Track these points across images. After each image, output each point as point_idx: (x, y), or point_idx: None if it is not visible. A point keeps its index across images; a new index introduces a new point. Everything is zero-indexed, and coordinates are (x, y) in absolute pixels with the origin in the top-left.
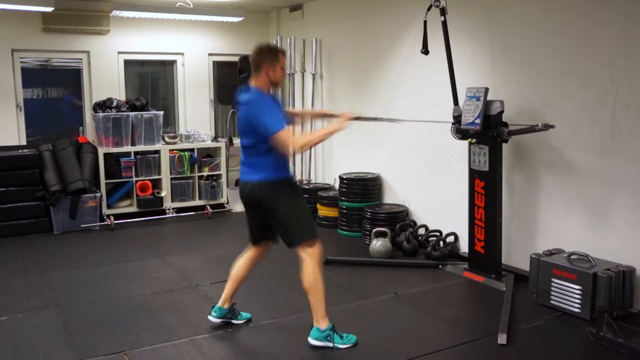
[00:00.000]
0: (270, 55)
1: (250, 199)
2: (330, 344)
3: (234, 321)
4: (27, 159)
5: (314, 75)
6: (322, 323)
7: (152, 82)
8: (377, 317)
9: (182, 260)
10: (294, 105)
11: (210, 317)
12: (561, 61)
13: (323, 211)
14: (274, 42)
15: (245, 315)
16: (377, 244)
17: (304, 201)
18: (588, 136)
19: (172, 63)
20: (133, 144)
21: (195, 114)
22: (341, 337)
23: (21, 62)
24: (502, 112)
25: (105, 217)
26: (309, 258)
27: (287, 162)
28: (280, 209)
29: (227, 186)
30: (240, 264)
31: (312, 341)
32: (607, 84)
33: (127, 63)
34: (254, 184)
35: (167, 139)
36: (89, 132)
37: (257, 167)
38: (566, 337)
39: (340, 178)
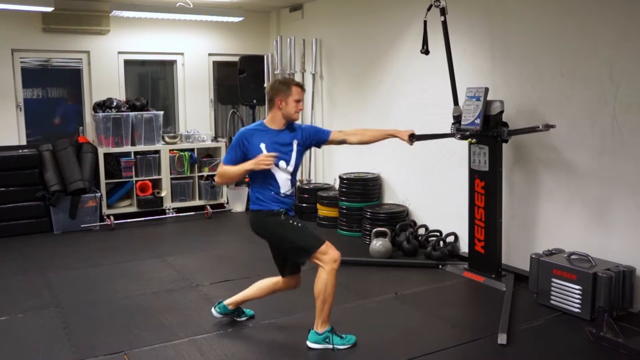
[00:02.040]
0: (282, 87)
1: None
2: (330, 346)
3: (237, 319)
4: (27, 159)
5: (314, 75)
6: (320, 327)
7: (152, 82)
8: (377, 317)
9: (182, 260)
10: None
11: (213, 310)
12: (561, 61)
13: (323, 211)
14: (274, 42)
15: (249, 312)
16: (377, 244)
17: (294, 222)
18: (588, 136)
19: (172, 63)
20: (133, 144)
21: (195, 114)
22: (340, 338)
23: (21, 62)
24: (502, 112)
25: (105, 217)
26: (324, 264)
27: (273, 194)
28: (271, 236)
29: (227, 186)
30: (268, 282)
31: (310, 344)
32: (607, 84)
33: (127, 63)
34: (250, 217)
35: (167, 139)
36: (89, 132)
37: (251, 200)
38: (566, 337)
39: (340, 178)
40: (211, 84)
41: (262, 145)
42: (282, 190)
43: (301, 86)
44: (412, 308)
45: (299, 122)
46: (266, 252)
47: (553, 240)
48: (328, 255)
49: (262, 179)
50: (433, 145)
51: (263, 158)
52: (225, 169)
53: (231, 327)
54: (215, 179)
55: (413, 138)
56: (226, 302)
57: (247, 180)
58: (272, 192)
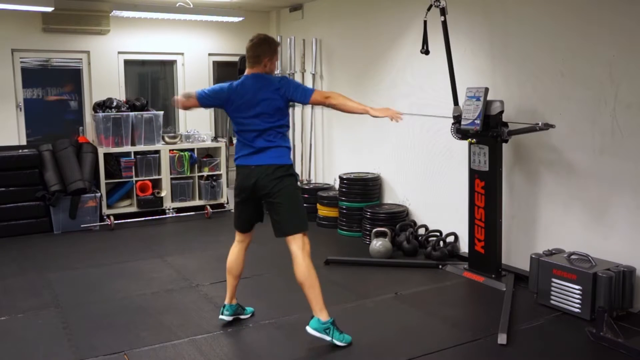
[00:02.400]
0: (270, 47)
1: (261, 182)
2: (328, 338)
3: (241, 316)
4: (27, 159)
5: (314, 75)
6: (322, 315)
7: (152, 82)
8: (377, 317)
9: (182, 260)
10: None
11: (222, 317)
12: (561, 61)
13: (323, 211)
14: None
15: (249, 309)
16: (377, 244)
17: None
18: (588, 136)
19: (172, 63)
20: (133, 144)
21: (195, 114)
22: (340, 333)
23: (21, 62)
24: (502, 112)
25: (105, 217)
26: (301, 250)
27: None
28: (287, 195)
29: (227, 186)
30: (236, 258)
31: (310, 330)
32: (607, 84)
33: (127, 63)
34: (268, 167)
35: (167, 139)
36: (89, 132)
37: (274, 151)
38: (566, 337)
39: (340, 178)
40: (211, 84)
41: None
42: None
43: (279, 45)
44: (412, 308)
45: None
46: (264, 252)
47: (553, 240)
48: (307, 239)
49: (287, 130)
50: (433, 145)
51: (395, 113)
52: (350, 102)
53: (231, 327)
54: (332, 100)
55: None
56: (226, 301)
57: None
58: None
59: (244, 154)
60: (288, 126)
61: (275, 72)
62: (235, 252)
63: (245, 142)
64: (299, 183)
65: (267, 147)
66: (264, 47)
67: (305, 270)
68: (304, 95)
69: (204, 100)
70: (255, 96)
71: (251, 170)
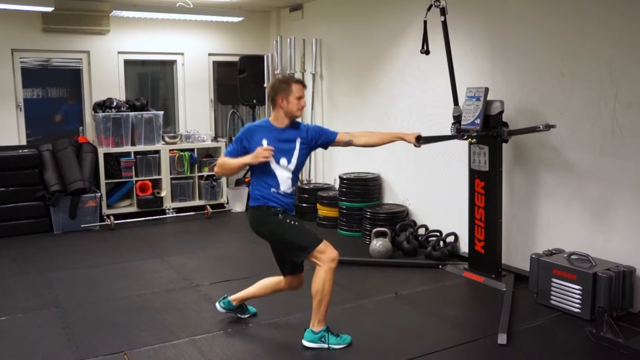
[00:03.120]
0: (282, 85)
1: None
2: (325, 345)
3: (240, 315)
4: (27, 159)
5: (314, 75)
6: (317, 326)
7: (152, 82)
8: (377, 317)
9: (182, 260)
10: None
11: (217, 305)
12: (561, 61)
13: (323, 211)
14: (274, 42)
15: (252, 309)
16: (377, 244)
17: (292, 221)
18: (588, 136)
19: (172, 63)
20: (133, 144)
21: (195, 114)
22: (336, 337)
23: (21, 62)
24: (502, 112)
25: (105, 217)
26: (322, 263)
27: (273, 191)
28: (269, 234)
29: (227, 186)
30: (271, 281)
31: (306, 343)
32: (607, 84)
33: (127, 63)
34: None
35: (167, 139)
36: (89, 132)
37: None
38: (566, 337)
39: (340, 178)
40: (211, 84)
41: (264, 141)
42: (282, 189)
43: (302, 83)
44: (412, 308)
45: (305, 122)
46: (266, 252)
47: (553, 240)
48: (326, 254)
49: (263, 175)
50: (433, 145)
51: (261, 151)
52: (225, 160)
53: (231, 327)
54: (215, 168)
55: (420, 140)
56: (230, 298)
57: (247, 180)
58: (272, 190)
59: None
60: (257, 171)
61: (302, 106)
62: (275, 280)
63: None
64: (280, 215)
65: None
66: (276, 87)
67: (319, 284)
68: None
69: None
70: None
71: None
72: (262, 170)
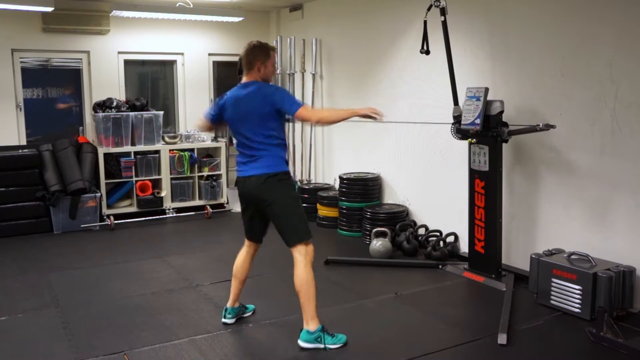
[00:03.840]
0: (262, 52)
1: (254, 193)
2: (321, 345)
3: (244, 315)
4: (27, 159)
5: (314, 75)
6: (311, 325)
7: (152, 82)
8: (377, 317)
9: (182, 260)
10: None
11: (225, 320)
12: (561, 61)
13: (323, 211)
14: (274, 42)
15: (250, 307)
16: (377, 244)
17: (299, 198)
18: (588, 136)
19: (172, 63)
20: (133, 144)
21: (195, 114)
22: (332, 337)
23: (21, 62)
24: (502, 112)
25: (105, 217)
26: (303, 258)
27: (287, 156)
28: (282, 204)
29: (227, 186)
30: (242, 262)
31: (302, 344)
32: (607, 84)
33: (127, 63)
34: (259, 177)
35: (167, 139)
36: (89, 132)
37: (265, 160)
38: (566, 337)
39: (340, 178)
40: (211, 84)
41: None
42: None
43: (275, 50)
44: (412, 308)
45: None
46: (266, 252)
47: (553, 240)
48: (310, 248)
49: (283, 139)
50: (433, 145)
51: (377, 110)
52: (331, 111)
53: (231, 327)
54: (316, 118)
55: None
56: (229, 305)
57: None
58: (285, 151)
59: (239, 164)
60: (280, 137)
61: (276, 73)
62: (242, 256)
63: (240, 151)
64: (296, 188)
65: (258, 157)
66: (255, 52)
67: (303, 279)
68: (290, 107)
69: (212, 117)
70: (246, 105)
71: (244, 181)
72: (282, 133)
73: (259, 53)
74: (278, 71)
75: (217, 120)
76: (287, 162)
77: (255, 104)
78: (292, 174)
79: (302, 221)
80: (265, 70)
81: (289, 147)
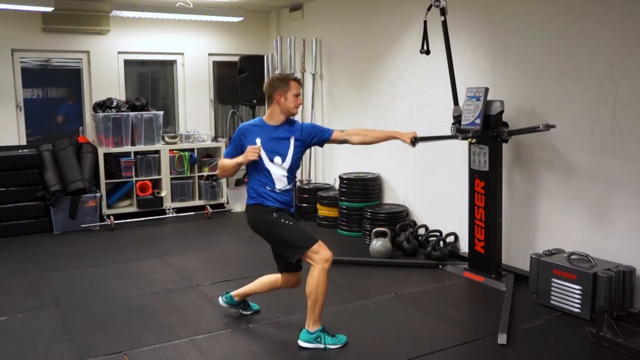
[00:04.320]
0: (280, 82)
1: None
2: (321, 345)
3: (243, 312)
4: (27, 159)
5: (314, 75)
6: (312, 326)
7: (152, 82)
8: (377, 317)
9: (182, 260)
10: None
11: (220, 299)
12: (561, 61)
13: (323, 211)
14: (274, 42)
15: (255, 306)
16: (377, 244)
17: (286, 220)
18: (588, 136)
19: (172, 63)
20: (133, 144)
21: (195, 114)
22: (332, 337)
23: (21, 62)
24: (502, 112)
25: (105, 217)
26: (315, 263)
27: (268, 189)
28: (264, 232)
29: (227, 186)
30: (269, 278)
31: (302, 343)
32: (607, 84)
33: (127, 63)
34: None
35: (167, 139)
36: (89, 132)
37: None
38: (566, 337)
39: (340, 178)
40: (211, 84)
41: (258, 140)
42: (278, 187)
43: (298, 80)
44: (412, 308)
45: (300, 120)
46: (266, 252)
47: (553, 240)
48: (319, 255)
49: (258, 174)
50: (433, 145)
51: (250, 149)
52: (222, 162)
53: (231, 326)
54: (216, 172)
55: (415, 140)
56: (232, 293)
57: (246, 180)
58: (267, 188)
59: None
60: (252, 168)
61: (300, 103)
62: (274, 276)
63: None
64: (274, 214)
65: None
66: (274, 84)
67: (313, 285)
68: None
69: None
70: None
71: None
72: (257, 169)
73: (278, 84)
74: (299, 101)
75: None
76: (262, 193)
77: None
78: (270, 204)
79: (293, 234)
80: (285, 102)
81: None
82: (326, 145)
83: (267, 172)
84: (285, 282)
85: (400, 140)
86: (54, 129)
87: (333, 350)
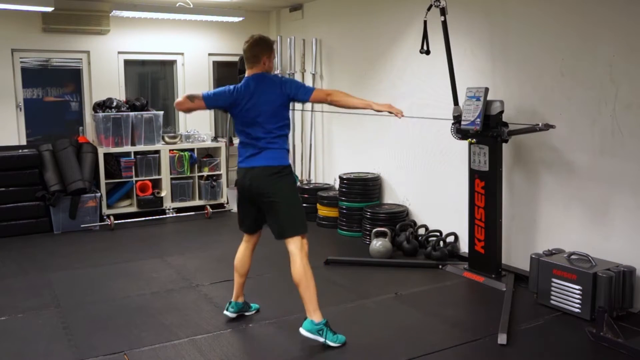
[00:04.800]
0: (266, 45)
1: (256, 184)
2: (321, 339)
3: (246, 313)
4: (27, 159)
5: (314, 75)
6: (315, 316)
7: (152, 82)
8: (377, 317)
9: (182, 260)
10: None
11: (227, 313)
12: (561, 61)
13: (323, 211)
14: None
15: (254, 306)
16: (377, 244)
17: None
18: (588, 136)
19: (172, 63)
20: (133, 144)
21: (195, 114)
22: (333, 334)
23: (21, 62)
24: (502, 112)
25: (105, 217)
26: (299, 251)
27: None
28: (283, 197)
29: (227, 186)
30: (242, 256)
31: (303, 332)
32: (607, 84)
33: (127, 63)
34: (265, 169)
35: (167, 139)
36: (89, 132)
37: (272, 152)
38: (566, 337)
39: (340, 178)
40: (211, 84)
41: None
42: None
43: (275, 43)
44: (412, 308)
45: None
46: (266, 252)
47: (553, 240)
48: (305, 240)
49: (287, 134)
50: (433, 145)
51: (399, 110)
52: (346, 95)
53: (231, 327)
54: (333, 97)
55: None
56: (233, 299)
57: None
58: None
59: (245, 156)
60: (289, 126)
61: (275, 71)
62: (241, 251)
63: (248, 143)
64: (297, 184)
65: (266, 148)
66: (261, 46)
67: (301, 271)
68: (305, 93)
69: (210, 101)
70: (260, 97)
71: (246, 172)
72: (289, 127)
73: (264, 47)
74: (277, 70)
75: (212, 104)
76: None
77: (272, 96)
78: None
79: (302, 214)
80: (269, 63)
81: (290, 147)
82: (326, 146)
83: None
84: (252, 246)
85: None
86: (54, 129)
87: (333, 350)
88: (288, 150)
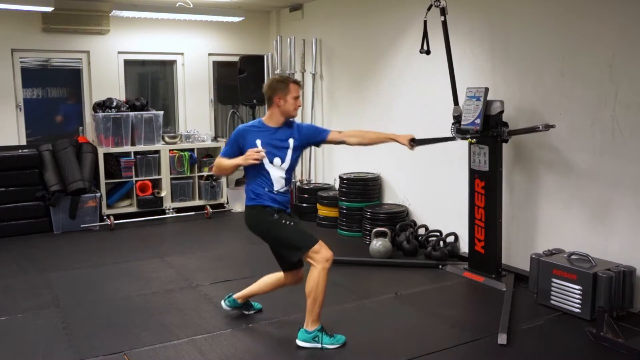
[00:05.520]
0: (280, 85)
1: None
2: (318, 345)
3: (245, 312)
4: (27, 159)
5: (314, 75)
6: (310, 325)
7: (152, 82)
8: (377, 317)
9: (182, 260)
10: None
11: (222, 303)
12: (561, 61)
13: (323, 211)
14: (274, 42)
15: (257, 305)
16: (377, 244)
17: (287, 220)
18: (588, 136)
19: (172, 63)
20: (133, 144)
21: (195, 114)
22: (330, 337)
23: (21, 62)
24: (502, 112)
25: (105, 217)
26: (316, 263)
27: (267, 191)
28: (264, 233)
29: (227, 186)
30: (272, 278)
31: (299, 343)
32: (607, 84)
33: (127, 63)
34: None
35: (167, 139)
36: (89, 132)
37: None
38: (566, 337)
39: (340, 178)
40: (211, 84)
41: (258, 142)
42: (276, 188)
43: (298, 83)
44: (412, 308)
45: (298, 120)
46: (266, 252)
47: (553, 240)
48: (320, 254)
49: (257, 175)
50: (433, 145)
51: (251, 153)
52: (220, 161)
53: (231, 327)
54: (212, 169)
55: (414, 143)
56: (235, 295)
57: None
58: (266, 189)
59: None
60: (250, 173)
61: (299, 106)
62: (277, 275)
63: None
64: (275, 215)
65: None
66: (273, 87)
67: (313, 284)
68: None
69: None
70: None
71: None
72: (255, 171)
73: (277, 87)
74: (299, 103)
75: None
76: (260, 194)
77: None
78: (269, 204)
79: (295, 236)
80: (285, 104)
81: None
82: (326, 146)
83: (267, 174)
84: (288, 280)
85: (399, 143)
86: (54, 129)
87: (332, 350)
88: (256, 192)
